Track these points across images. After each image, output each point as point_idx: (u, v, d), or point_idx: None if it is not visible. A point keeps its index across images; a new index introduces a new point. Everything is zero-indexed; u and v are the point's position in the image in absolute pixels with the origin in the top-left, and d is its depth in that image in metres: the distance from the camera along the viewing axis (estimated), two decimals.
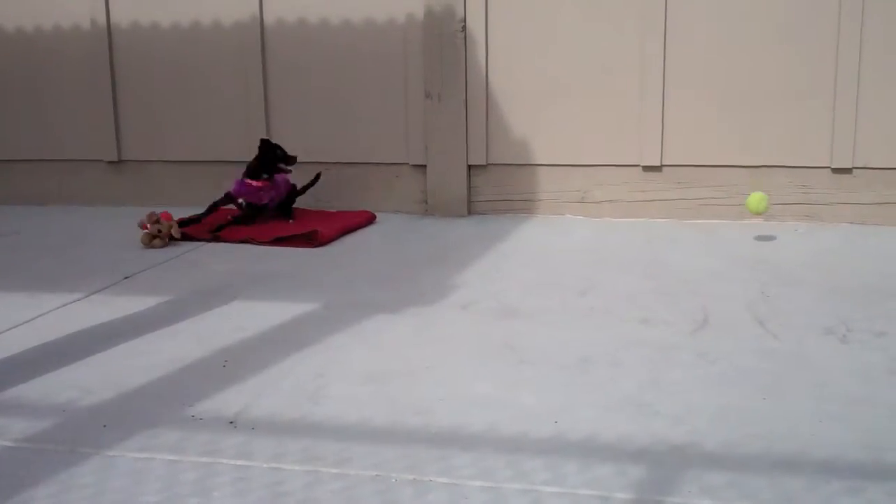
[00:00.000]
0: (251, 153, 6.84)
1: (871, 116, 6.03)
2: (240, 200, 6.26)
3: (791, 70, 6.13)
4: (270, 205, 6.33)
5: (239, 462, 2.92)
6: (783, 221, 6.18)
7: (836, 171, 6.14)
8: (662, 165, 6.33)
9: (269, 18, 6.81)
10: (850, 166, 6.10)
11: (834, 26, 6.00)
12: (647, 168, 6.36)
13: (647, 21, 6.23)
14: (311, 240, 5.80)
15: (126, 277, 5.12)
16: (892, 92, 6.01)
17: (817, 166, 6.16)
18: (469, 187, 6.65)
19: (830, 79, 6.05)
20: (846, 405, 3.26)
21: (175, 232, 5.79)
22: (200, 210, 6.29)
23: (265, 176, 6.28)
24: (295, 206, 6.56)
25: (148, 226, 5.74)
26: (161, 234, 5.74)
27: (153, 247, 5.72)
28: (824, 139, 6.11)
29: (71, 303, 4.64)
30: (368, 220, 6.46)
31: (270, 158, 6.31)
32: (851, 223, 6.11)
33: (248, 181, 6.26)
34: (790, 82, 6.14)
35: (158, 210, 5.88)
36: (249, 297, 4.72)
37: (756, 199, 5.70)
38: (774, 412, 3.22)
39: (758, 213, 5.80)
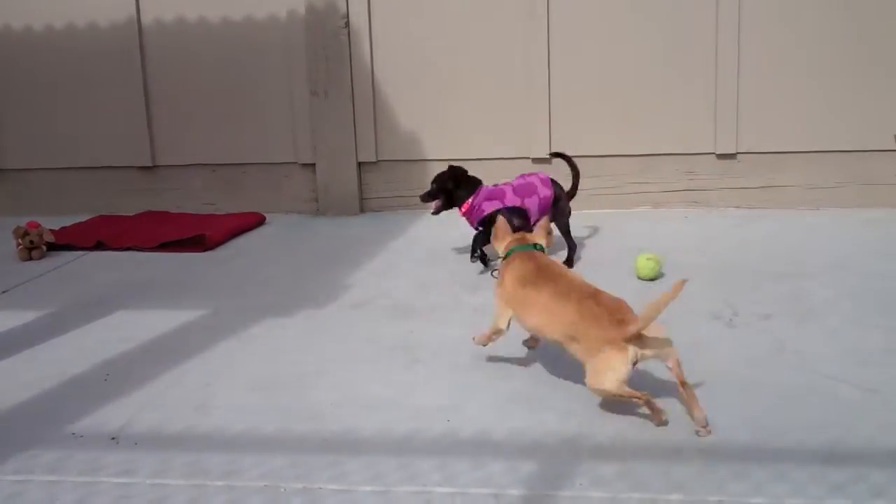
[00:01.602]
0: (134, 158, 6.69)
1: (753, 102, 6.15)
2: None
3: (673, 59, 6.21)
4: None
5: (121, 480, 2.83)
6: (672, 208, 6.26)
7: (721, 156, 6.24)
8: (552, 157, 6.35)
9: (147, 18, 6.63)
10: (734, 151, 6.21)
11: (712, 13, 6.09)
12: (536, 160, 6.37)
13: (531, 13, 6.24)
14: (199, 244, 5.67)
15: (4, 291, 4.93)
16: (771, 78, 6.13)
17: (702, 153, 6.26)
18: (360, 185, 6.58)
19: (711, 66, 6.15)
20: (733, 390, 3.30)
21: (47, 236, 5.61)
22: (79, 218, 6.14)
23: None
24: (179, 210, 6.37)
25: (20, 241, 5.54)
26: (36, 244, 5.55)
27: (33, 258, 5.53)
28: (707, 126, 6.21)
29: None
30: (258, 221, 6.34)
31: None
32: (738, 207, 6.22)
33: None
34: (673, 71, 6.22)
35: (22, 222, 5.67)
36: (133, 306, 4.59)
37: (643, 260, 4.70)
38: (664, 400, 3.23)
39: (649, 277, 4.67)
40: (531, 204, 5.02)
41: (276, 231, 6.19)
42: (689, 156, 6.28)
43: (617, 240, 5.54)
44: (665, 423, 3.01)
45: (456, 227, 6.03)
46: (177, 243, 5.68)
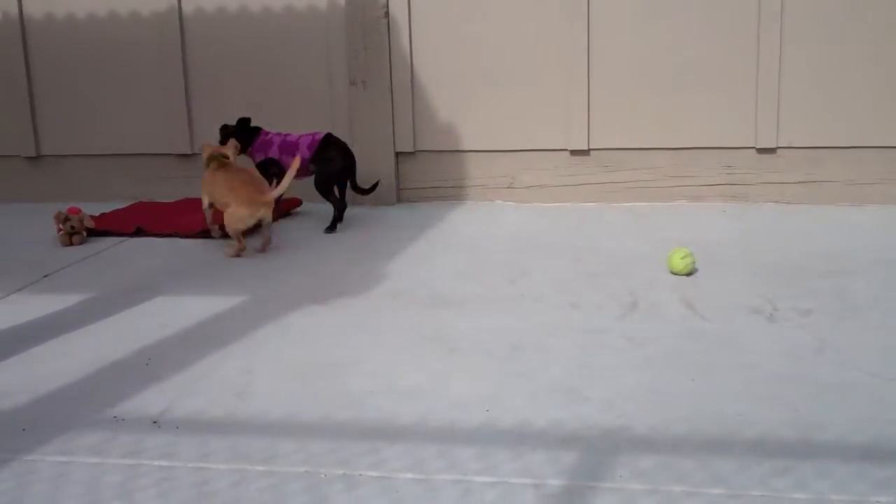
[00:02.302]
0: (171, 146, 6.74)
1: (794, 96, 6.09)
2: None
3: (714, 52, 6.16)
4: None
5: (163, 462, 2.85)
6: (710, 203, 6.22)
7: (761, 151, 6.20)
8: (590, 149, 6.34)
9: (188, 7, 6.67)
10: (774, 146, 6.16)
11: (755, 7, 6.04)
12: (574, 152, 6.36)
13: (572, 6, 6.22)
14: None
15: (46, 276, 4.98)
16: (813, 72, 6.08)
17: (742, 147, 6.21)
18: (397, 175, 6.59)
19: (753, 60, 6.10)
20: (774, 385, 3.28)
21: (87, 222, 5.66)
22: (120, 205, 6.20)
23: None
24: None
25: (61, 227, 5.60)
26: (77, 230, 5.60)
27: (74, 244, 5.58)
28: (748, 120, 6.16)
29: None
30: (295, 205, 6.37)
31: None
32: (777, 202, 6.17)
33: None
34: (714, 64, 6.17)
35: (64, 207, 5.73)
36: (173, 292, 4.62)
37: (677, 257, 4.64)
38: (703, 393, 3.23)
39: (683, 272, 4.62)
40: (287, 161, 5.63)
41: (312, 220, 6.20)
42: (728, 150, 6.24)
43: (654, 233, 5.51)
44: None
45: (494, 218, 6.05)
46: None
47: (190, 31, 6.70)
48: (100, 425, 3.12)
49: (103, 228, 5.82)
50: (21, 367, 3.67)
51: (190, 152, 6.76)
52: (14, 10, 6.84)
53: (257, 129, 6.00)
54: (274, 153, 5.90)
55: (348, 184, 5.97)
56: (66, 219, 5.60)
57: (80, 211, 5.67)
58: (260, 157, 5.94)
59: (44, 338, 3.98)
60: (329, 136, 5.91)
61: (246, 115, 6.01)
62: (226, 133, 5.94)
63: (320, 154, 5.83)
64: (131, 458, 2.88)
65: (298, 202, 6.40)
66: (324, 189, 5.87)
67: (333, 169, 5.85)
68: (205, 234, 5.68)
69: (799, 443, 2.85)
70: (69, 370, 3.60)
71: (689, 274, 4.60)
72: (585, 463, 2.77)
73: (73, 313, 4.35)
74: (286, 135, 5.95)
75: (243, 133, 5.92)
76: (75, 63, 6.90)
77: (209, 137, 6.57)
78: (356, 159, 5.97)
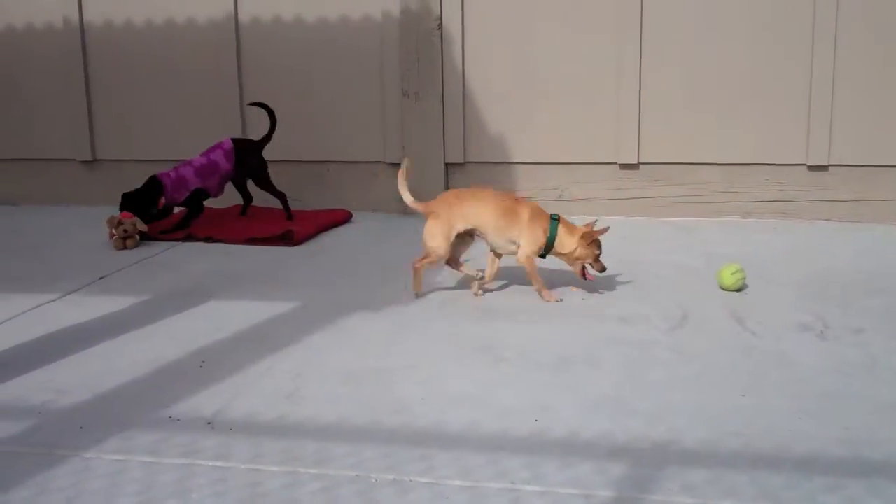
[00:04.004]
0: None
1: (847, 114, 6.06)
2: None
3: (767, 68, 6.15)
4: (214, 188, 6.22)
5: (217, 463, 2.90)
6: (760, 219, 6.20)
7: (812, 168, 6.17)
8: (639, 163, 6.34)
9: (244, 17, 6.77)
10: (826, 163, 6.13)
11: (809, 24, 6.02)
12: (624, 166, 6.37)
13: (623, 20, 6.23)
14: (287, 239, 5.77)
15: (101, 278, 5.07)
16: (866, 90, 6.04)
17: (793, 164, 6.19)
18: (447, 185, 6.63)
19: (806, 76, 6.08)
20: (825, 402, 3.27)
21: (140, 226, 5.76)
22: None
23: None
24: (266, 204, 6.50)
25: (114, 231, 5.70)
26: (129, 234, 5.70)
27: (127, 247, 5.68)
28: (800, 137, 6.14)
29: (45, 304, 4.59)
30: (345, 218, 6.43)
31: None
32: (828, 220, 6.13)
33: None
34: (766, 80, 6.16)
35: (115, 211, 5.84)
36: (225, 296, 4.69)
37: (728, 272, 4.60)
38: (753, 409, 3.22)
39: (733, 289, 4.59)
40: (213, 183, 6.07)
41: (362, 228, 6.26)
42: (779, 166, 6.22)
43: (703, 248, 5.50)
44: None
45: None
46: (265, 239, 5.78)
47: (245, 39, 6.80)
48: (155, 425, 3.18)
49: (155, 233, 5.92)
50: (78, 367, 3.74)
51: None
52: (75, 16, 6.98)
53: (154, 180, 5.98)
54: (195, 183, 6.04)
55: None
56: (119, 223, 5.70)
57: (132, 215, 5.77)
58: (184, 195, 6.03)
59: (100, 338, 4.06)
60: (235, 140, 6.23)
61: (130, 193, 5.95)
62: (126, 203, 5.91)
63: (240, 158, 6.17)
64: (186, 457, 2.93)
65: (349, 215, 6.45)
66: (267, 185, 6.27)
67: (259, 164, 6.20)
68: (251, 241, 5.75)
69: (849, 460, 2.84)
70: (125, 370, 3.67)
71: (739, 290, 4.59)
72: (634, 475, 2.78)
73: (129, 315, 4.43)
74: (189, 163, 6.09)
75: (147, 194, 5.94)
76: (132, 69, 7.02)
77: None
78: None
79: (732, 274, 4.59)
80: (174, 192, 6.01)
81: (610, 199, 6.41)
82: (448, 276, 4.99)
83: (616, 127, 6.35)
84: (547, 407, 3.27)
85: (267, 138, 6.27)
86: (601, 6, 6.28)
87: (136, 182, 6.06)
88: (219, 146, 6.18)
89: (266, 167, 6.27)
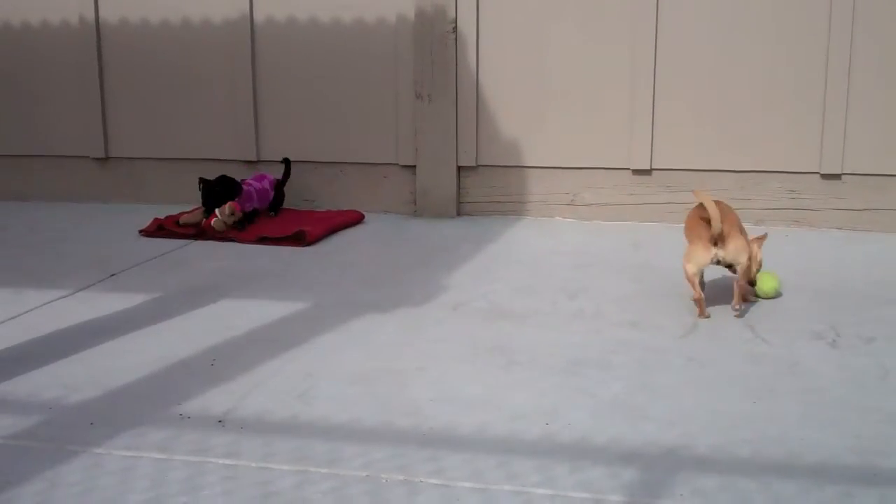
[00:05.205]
0: (239, 152, 6.84)
1: (861, 122, 6.04)
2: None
3: (781, 75, 6.14)
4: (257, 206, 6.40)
5: (228, 461, 2.90)
6: (772, 227, 6.18)
7: (826, 176, 6.15)
8: (652, 169, 6.33)
9: (259, 17, 6.78)
10: (839, 172, 6.11)
11: (824, 32, 6.01)
12: (636, 171, 6.36)
13: (638, 25, 6.23)
14: (299, 240, 5.77)
15: (113, 275, 5.09)
16: (881, 97, 6.03)
17: (807, 172, 6.17)
18: (458, 188, 6.63)
19: (820, 84, 6.06)
20: (837, 411, 3.26)
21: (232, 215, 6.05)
22: (186, 208, 6.31)
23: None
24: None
25: (225, 220, 5.96)
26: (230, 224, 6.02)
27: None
28: (814, 145, 6.12)
29: (57, 299, 4.61)
30: (356, 219, 6.43)
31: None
32: (840, 229, 6.12)
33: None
34: (780, 87, 6.15)
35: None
36: (237, 295, 4.70)
37: (767, 279, 4.63)
38: (765, 416, 3.22)
39: (769, 296, 4.63)
40: (261, 208, 6.42)
41: (374, 230, 6.27)
42: (792, 174, 6.20)
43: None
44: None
45: (554, 235, 6.06)
46: (277, 239, 5.79)
47: (260, 39, 6.81)
48: (166, 422, 3.19)
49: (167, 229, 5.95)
50: (89, 363, 3.75)
51: (255, 159, 6.85)
52: (91, 14, 7.00)
53: (235, 182, 6.21)
54: (254, 203, 6.31)
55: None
56: (232, 213, 5.99)
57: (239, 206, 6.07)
58: (249, 207, 6.24)
59: (111, 335, 4.07)
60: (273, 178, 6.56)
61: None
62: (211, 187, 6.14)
63: (277, 188, 6.53)
64: (197, 455, 2.94)
65: (361, 216, 6.47)
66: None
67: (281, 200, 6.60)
68: (264, 241, 5.77)
69: (861, 469, 2.83)
70: (136, 367, 3.68)
71: (775, 297, 4.59)
72: (645, 480, 2.78)
73: (140, 312, 4.44)
74: (251, 183, 6.35)
75: (225, 194, 6.13)
76: (147, 67, 7.03)
77: (276, 146, 6.66)
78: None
79: (771, 278, 4.61)
80: (244, 202, 6.18)
81: (622, 205, 6.40)
82: (459, 279, 4.99)
83: (629, 133, 6.34)
84: (558, 410, 3.27)
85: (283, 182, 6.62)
86: (616, 12, 6.27)
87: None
88: (264, 177, 6.45)
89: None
